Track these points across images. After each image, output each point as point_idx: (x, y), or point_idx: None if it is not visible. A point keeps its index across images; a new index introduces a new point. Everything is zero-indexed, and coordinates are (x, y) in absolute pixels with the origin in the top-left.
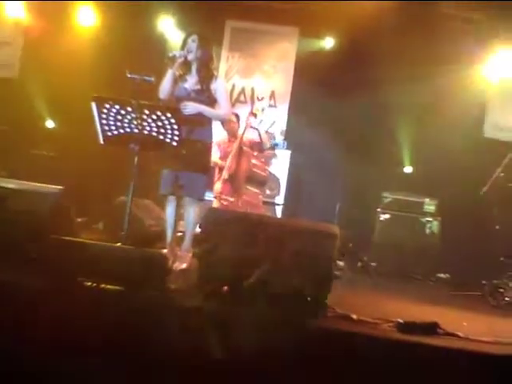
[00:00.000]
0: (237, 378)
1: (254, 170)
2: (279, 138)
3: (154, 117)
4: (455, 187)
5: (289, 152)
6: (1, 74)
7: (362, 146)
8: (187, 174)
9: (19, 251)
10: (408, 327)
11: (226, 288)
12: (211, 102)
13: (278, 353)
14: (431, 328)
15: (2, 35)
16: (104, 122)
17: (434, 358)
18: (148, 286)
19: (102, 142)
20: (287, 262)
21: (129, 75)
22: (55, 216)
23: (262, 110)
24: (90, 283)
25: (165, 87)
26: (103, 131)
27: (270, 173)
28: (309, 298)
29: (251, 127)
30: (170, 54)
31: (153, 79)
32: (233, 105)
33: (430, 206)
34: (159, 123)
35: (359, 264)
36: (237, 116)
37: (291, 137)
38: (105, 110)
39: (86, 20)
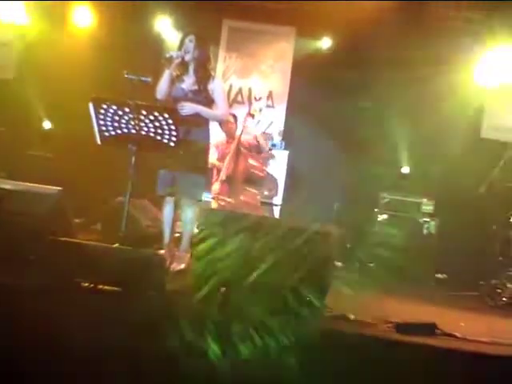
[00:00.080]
0: (236, 379)
1: (252, 170)
2: (277, 139)
3: (152, 117)
4: (453, 188)
5: (286, 152)
6: None
7: (360, 146)
8: (184, 175)
9: (17, 252)
10: (406, 328)
11: (223, 289)
12: (208, 102)
13: (275, 353)
14: (429, 328)
15: None
16: (101, 122)
17: (431, 358)
18: (146, 286)
19: (99, 142)
20: (285, 262)
21: (126, 76)
22: (53, 217)
23: (260, 110)
24: (87, 284)
25: (162, 88)
26: (100, 132)
27: (268, 173)
28: (307, 299)
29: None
30: (167, 55)
31: (150, 80)
32: (230, 105)
33: (427, 206)
34: (156, 124)
35: (357, 264)
36: (234, 117)
37: (289, 137)
38: (102, 111)
39: (83, 20)
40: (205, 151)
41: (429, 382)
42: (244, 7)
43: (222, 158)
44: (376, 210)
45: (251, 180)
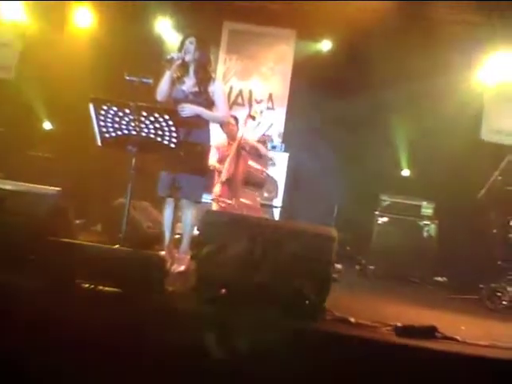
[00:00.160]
0: (235, 380)
1: (252, 172)
2: (277, 141)
3: (152, 119)
4: (453, 190)
5: (287, 154)
6: None
7: (360, 148)
8: (185, 176)
9: (17, 253)
10: (406, 331)
11: (224, 290)
12: (209, 104)
13: (276, 355)
14: (429, 332)
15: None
16: (102, 123)
17: (431, 361)
18: (146, 288)
19: (99, 143)
20: (285, 264)
21: (127, 77)
22: (53, 218)
23: (260, 112)
24: (87, 285)
25: (162, 89)
26: (101, 133)
27: (268, 175)
28: (307, 301)
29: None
30: (168, 56)
31: (151, 81)
32: (230, 107)
33: (427, 209)
34: (157, 125)
35: (357, 267)
36: (236, 119)
37: (289, 139)
38: (103, 112)
39: (84, 21)
40: (205, 153)
41: None
42: (244, 9)
43: (222, 160)
44: (376, 212)
45: (251, 182)
